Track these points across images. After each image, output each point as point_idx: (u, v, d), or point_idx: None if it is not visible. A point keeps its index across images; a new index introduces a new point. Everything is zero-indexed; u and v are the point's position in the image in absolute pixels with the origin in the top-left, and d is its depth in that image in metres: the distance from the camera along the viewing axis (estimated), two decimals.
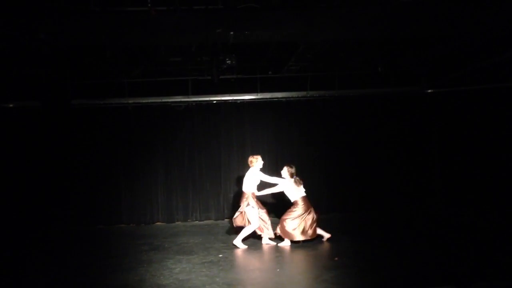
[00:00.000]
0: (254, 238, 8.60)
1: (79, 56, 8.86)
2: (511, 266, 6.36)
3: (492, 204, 9.79)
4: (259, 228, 8.35)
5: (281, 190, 8.40)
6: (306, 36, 7.27)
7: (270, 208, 11.07)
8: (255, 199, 8.34)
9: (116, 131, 11.17)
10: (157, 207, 11.27)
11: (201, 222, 11.17)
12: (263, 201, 8.89)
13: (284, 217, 8.29)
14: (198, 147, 11.42)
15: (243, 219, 8.35)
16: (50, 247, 9.05)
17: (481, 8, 6.36)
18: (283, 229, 8.24)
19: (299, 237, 8.16)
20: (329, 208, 11.34)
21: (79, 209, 10.89)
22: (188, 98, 10.84)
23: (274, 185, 8.45)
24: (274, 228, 8.41)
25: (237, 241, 8.25)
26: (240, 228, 8.40)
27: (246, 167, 9.23)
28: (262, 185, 8.53)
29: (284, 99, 11.23)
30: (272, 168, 11.25)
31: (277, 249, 8.04)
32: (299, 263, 7.10)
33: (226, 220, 11.12)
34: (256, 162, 8.48)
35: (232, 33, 6.49)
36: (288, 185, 8.35)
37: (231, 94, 11.00)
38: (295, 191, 8.34)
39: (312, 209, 8.28)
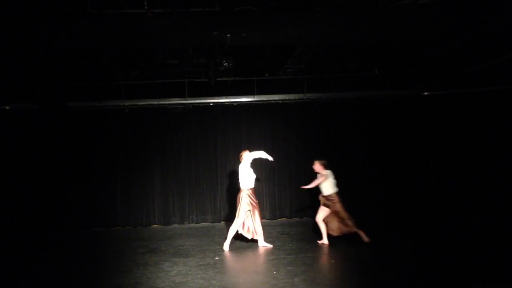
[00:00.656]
0: (251, 242, 8.59)
1: (76, 58, 8.86)
2: (508, 268, 6.38)
3: (489, 206, 9.81)
4: (252, 232, 8.34)
5: (326, 180, 8.39)
6: (303, 38, 7.27)
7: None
8: (252, 196, 8.31)
9: (113, 133, 11.17)
10: (153, 209, 11.26)
11: (198, 225, 11.16)
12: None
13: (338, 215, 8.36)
14: (195, 149, 11.43)
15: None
16: (46, 249, 9.03)
17: (477, 11, 6.40)
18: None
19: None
20: None
21: (75, 211, 10.87)
22: (185, 100, 10.83)
23: None
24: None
25: (225, 245, 8.29)
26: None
27: None
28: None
29: (281, 101, 11.24)
30: (269, 170, 11.31)
31: (273, 252, 8.04)
32: (295, 266, 7.08)
33: (223, 222, 11.13)
34: (245, 155, 8.46)
35: (229, 35, 6.49)
36: (329, 176, 8.42)
37: (228, 97, 10.99)
38: (333, 184, 8.44)
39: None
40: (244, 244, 8.59)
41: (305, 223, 10.82)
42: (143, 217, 11.21)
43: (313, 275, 6.51)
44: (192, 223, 11.30)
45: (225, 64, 8.49)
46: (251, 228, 8.29)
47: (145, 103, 10.88)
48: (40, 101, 10.14)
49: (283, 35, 6.73)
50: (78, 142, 11.03)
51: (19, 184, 10.78)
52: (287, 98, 11.20)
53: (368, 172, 11.54)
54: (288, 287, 5.98)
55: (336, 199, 8.38)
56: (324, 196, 8.47)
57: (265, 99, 11.12)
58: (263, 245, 8.39)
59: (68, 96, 10.33)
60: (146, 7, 6.03)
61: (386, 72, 10.59)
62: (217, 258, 7.68)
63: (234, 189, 10.83)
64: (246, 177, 8.33)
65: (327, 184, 8.40)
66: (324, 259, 7.56)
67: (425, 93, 11.32)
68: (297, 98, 11.17)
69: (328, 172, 8.44)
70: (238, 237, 8.46)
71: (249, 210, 8.22)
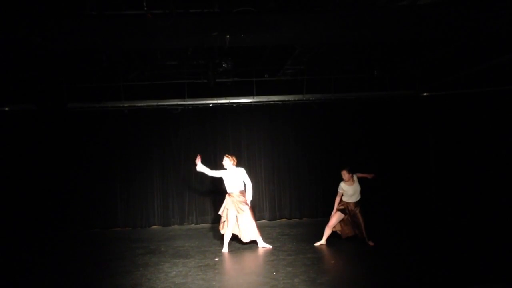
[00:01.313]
0: (250, 242, 8.60)
1: (75, 59, 8.85)
2: (507, 269, 6.38)
3: (488, 206, 9.81)
4: (256, 233, 8.36)
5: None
6: (302, 39, 7.28)
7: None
8: (228, 198, 8.43)
9: (112, 135, 11.17)
10: (153, 210, 11.26)
11: (197, 226, 11.16)
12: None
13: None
14: (194, 150, 11.39)
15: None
16: (45, 250, 9.03)
17: (477, 12, 6.40)
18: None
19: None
20: (325, 211, 11.30)
21: (74, 212, 10.88)
22: (184, 101, 10.83)
23: None
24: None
25: (224, 248, 8.29)
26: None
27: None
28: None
29: (280, 102, 11.23)
30: (268, 171, 11.31)
31: (273, 253, 8.04)
32: (295, 266, 7.09)
33: None
34: (224, 162, 8.60)
35: (228, 36, 6.48)
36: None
37: (227, 98, 10.99)
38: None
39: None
40: (244, 245, 8.59)
41: (304, 224, 10.84)
42: (142, 218, 11.21)
43: (313, 276, 6.50)
44: (192, 224, 11.30)
45: (225, 65, 8.48)
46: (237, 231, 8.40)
47: (145, 104, 10.87)
48: (39, 102, 10.13)
49: (283, 36, 6.72)
50: (78, 143, 11.03)
51: (19, 185, 10.78)
52: (286, 99, 11.20)
53: (368, 172, 11.51)
54: None
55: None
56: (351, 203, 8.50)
57: (264, 100, 11.11)
58: (263, 246, 8.39)
59: (68, 97, 10.33)
60: (145, 8, 6.03)
61: (385, 73, 10.61)
62: (217, 259, 7.68)
63: None
64: (238, 182, 8.48)
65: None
66: (324, 260, 7.56)
67: (425, 94, 11.32)
68: (296, 99, 11.16)
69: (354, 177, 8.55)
70: (236, 238, 8.47)
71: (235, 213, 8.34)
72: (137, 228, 11.11)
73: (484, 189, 9.99)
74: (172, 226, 11.20)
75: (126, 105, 10.74)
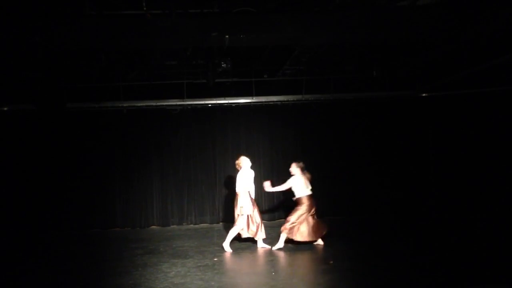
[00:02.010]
0: (250, 242, 8.59)
1: (74, 59, 8.84)
2: (507, 270, 6.38)
3: (488, 207, 9.82)
4: (254, 233, 8.34)
5: (291, 186, 8.40)
6: (301, 40, 7.29)
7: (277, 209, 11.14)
8: (250, 198, 8.33)
9: (111, 135, 11.17)
10: (152, 210, 11.25)
11: (196, 226, 11.15)
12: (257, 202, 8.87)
13: (289, 217, 8.29)
14: (193, 151, 11.43)
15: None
16: (44, 251, 9.02)
17: (476, 12, 6.41)
18: (287, 228, 8.24)
19: (300, 237, 8.19)
20: (324, 212, 11.32)
21: (74, 213, 10.86)
22: (184, 101, 10.83)
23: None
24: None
25: (225, 244, 8.27)
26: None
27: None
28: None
29: (279, 102, 11.24)
30: (267, 171, 11.31)
31: (272, 253, 8.04)
32: (294, 267, 7.09)
33: (221, 223, 11.12)
34: (242, 162, 8.48)
35: (227, 36, 6.49)
36: (298, 180, 8.35)
37: (226, 98, 10.99)
38: (303, 188, 8.35)
39: (314, 210, 8.30)
40: (243, 245, 8.59)
41: None
42: (141, 218, 11.20)
43: (312, 276, 6.50)
44: (191, 224, 11.29)
45: (224, 65, 8.48)
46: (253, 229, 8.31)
47: (144, 104, 10.87)
48: (39, 102, 10.11)
49: (282, 36, 6.73)
50: (77, 143, 11.02)
51: (18, 185, 10.77)
52: (285, 99, 11.20)
53: (367, 173, 11.55)
54: None
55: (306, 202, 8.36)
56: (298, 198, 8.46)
57: (263, 100, 11.11)
58: (262, 246, 8.38)
59: (67, 97, 10.32)
60: (144, 8, 6.03)
61: (384, 73, 10.60)
62: (215, 259, 7.67)
63: (232, 190, 10.84)
64: (246, 182, 8.40)
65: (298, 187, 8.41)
66: (323, 260, 7.55)
67: (424, 94, 11.33)
68: (295, 99, 11.17)
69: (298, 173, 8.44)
70: (235, 237, 8.48)
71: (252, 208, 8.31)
72: (136, 228, 11.10)
73: (484, 189, 10.01)
74: (171, 226, 11.19)
75: (125, 105, 10.74)
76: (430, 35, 7.14)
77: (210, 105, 11.13)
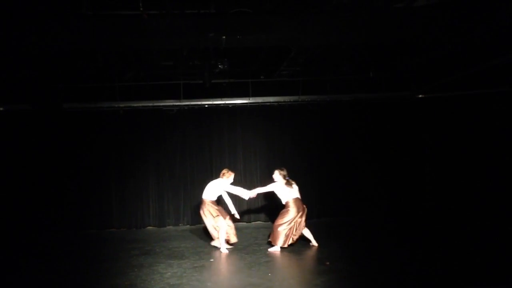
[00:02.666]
0: (246, 242, 8.59)
1: (70, 59, 8.83)
2: (508, 269, 6.41)
3: (485, 208, 9.85)
4: (213, 235, 8.56)
5: (272, 190, 8.46)
6: (298, 40, 7.29)
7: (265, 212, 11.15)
8: (215, 207, 8.51)
9: (108, 135, 11.13)
10: (148, 211, 11.23)
11: (193, 227, 11.13)
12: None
13: (276, 222, 8.30)
14: (190, 151, 11.41)
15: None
16: (40, 251, 8.99)
17: (472, 14, 6.42)
18: (274, 234, 8.26)
19: (292, 241, 8.25)
20: (320, 213, 11.39)
21: (69, 213, 10.82)
22: (180, 102, 10.82)
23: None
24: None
25: (222, 248, 8.30)
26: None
27: (236, 170, 9.35)
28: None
29: (276, 103, 11.24)
30: (263, 172, 11.30)
31: (268, 254, 8.04)
32: (290, 268, 7.09)
33: None
34: (228, 177, 8.62)
35: (224, 37, 6.49)
36: (280, 186, 8.38)
37: (223, 98, 10.98)
38: (287, 193, 8.37)
39: (303, 212, 8.31)
40: (239, 246, 8.59)
41: None
42: (137, 219, 11.17)
43: (308, 277, 6.51)
44: (187, 225, 11.27)
45: (220, 66, 8.47)
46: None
47: (140, 104, 10.85)
48: (35, 102, 10.09)
49: (279, 37, 6.73)
50: (73, 143, 10.98)
51: (13, 186, 10.72)
52: (282, 100, 11.20)
53: (363, 174, 11.57)
54: None
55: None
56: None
57: (260, 101, 11.11)
58: (214, 245, 8.62)
59: (63, 97, 10.29)
60: (141, 9, 6.02)
61: (381, 74, 10.63)
62: (212, 260, 7.67)
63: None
64: (215, 193, 8.65)
65: (282, 193, 8.47)
66: (319, 261, 7.55)
67: (420, 96, 11.35)
68: (292, 100, 11.17)
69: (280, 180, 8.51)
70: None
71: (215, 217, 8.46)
72: (132, 228, 11.07)
73: (480, 189, 10.03)
74: (167, 227, 11.17)
75: (121, 105, 10.72)
76: (426, 37, 7.15)
77: (206, 106, 11.12)
